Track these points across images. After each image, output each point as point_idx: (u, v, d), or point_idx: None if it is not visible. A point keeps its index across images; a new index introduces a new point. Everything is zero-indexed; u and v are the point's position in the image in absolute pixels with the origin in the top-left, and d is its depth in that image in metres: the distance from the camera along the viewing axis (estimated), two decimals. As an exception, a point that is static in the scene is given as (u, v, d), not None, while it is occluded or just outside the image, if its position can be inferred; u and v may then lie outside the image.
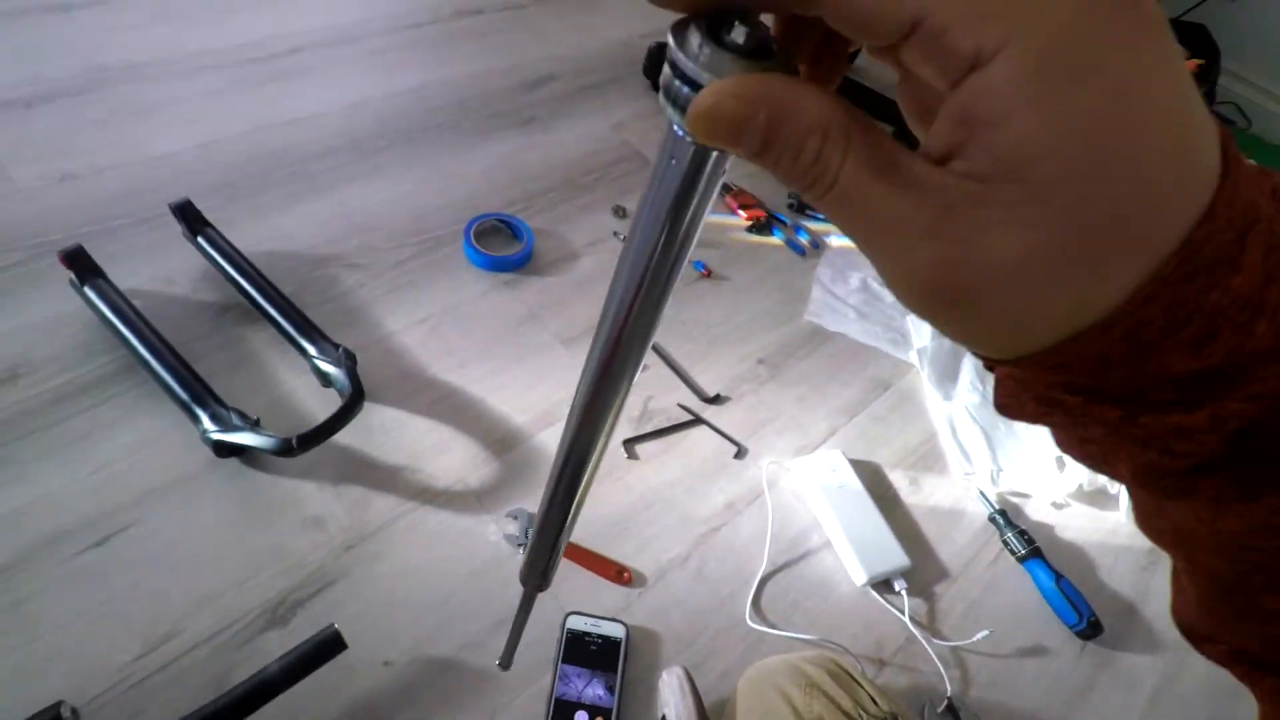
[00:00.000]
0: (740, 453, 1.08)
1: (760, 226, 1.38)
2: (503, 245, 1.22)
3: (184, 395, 0.89)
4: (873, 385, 1.22)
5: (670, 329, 1.19)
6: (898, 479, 1.11)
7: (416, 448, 0.97)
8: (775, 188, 1.48)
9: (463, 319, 1.11)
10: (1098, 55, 0.14)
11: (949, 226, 0.16)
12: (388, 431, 0.97)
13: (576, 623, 0.86)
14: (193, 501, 0.86)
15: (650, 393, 1.10)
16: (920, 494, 1.10)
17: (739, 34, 0.18)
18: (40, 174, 1.12)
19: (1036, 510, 1.11)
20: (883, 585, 0.98)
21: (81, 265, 0.95)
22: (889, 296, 1.34)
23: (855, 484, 1.05)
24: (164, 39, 1.38)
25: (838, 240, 1.42)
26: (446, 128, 1.40)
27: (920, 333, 1.28)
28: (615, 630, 0.86)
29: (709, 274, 1.28)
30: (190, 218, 1.05)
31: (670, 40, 0.18)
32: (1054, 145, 0.15)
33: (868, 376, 1.23)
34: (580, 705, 0.81)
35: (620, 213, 1.33)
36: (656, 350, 1.15)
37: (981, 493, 1.09)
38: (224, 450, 0.88)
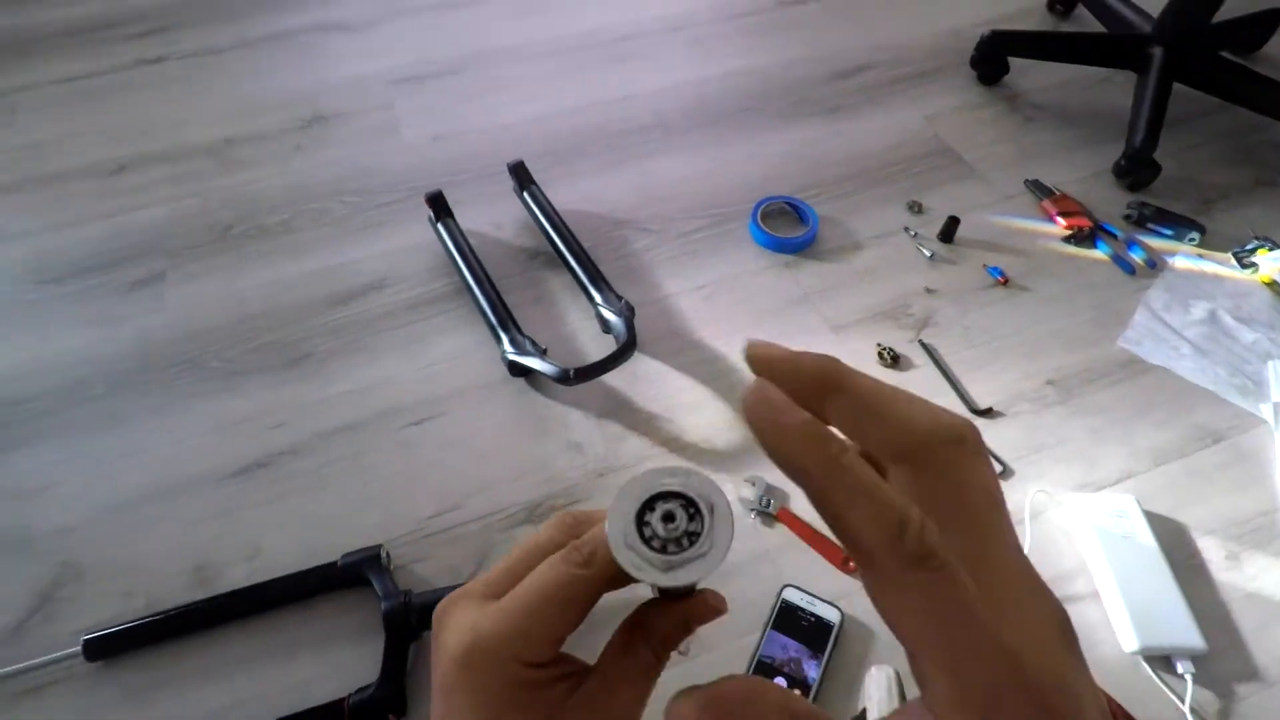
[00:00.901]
0: (1005, 472, 0.99)
1: (1081, 237, 1.23)
2: (788, 227, 1.25)
3: (493, 319, 1.08)
4: (1198, 434, 1.03)
5: (948, 332, 1.13)
6: (1209, 548, 0.93)
7: (673, 401, 1.06)
8: (1108, 196, 1.31)
9: (737, 291, 1.18)
10: None
11: None
12: (651, 381, 1.08)
13: (792, 596, 0.88)
14: (486, 406, 1.05)
15: (915, 393, 1.06)
16: (1241, 573, 0.91)
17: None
18: (421, 134, 1.42)
19: None
20: (1159, 660, 0.84)
21: (438, 207, 1.20)
22: (1246, 334, 1.12)
23: (1147, 539, 0.91)
24: (524, 29, 1.64)
25: (1185, 262, 1.21)
26: (752, 112, 1.46)
27: (1281, 382, 1.05)
28: (830, 614, 0.87)
29: (1005, 282, 1.18)
30: (521, 176, 1.25)
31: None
32: None
33: (1192, 422, 1.05)
34: (781, 671, 0.83)
35: (916, 208, 1.28)
36: (927, 350, 1.10)
37: (1332, 591, 0.88)
38: (516, 370, 1.06)
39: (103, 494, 0.97)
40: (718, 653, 0.85)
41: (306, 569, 0.89)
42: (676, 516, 0.21)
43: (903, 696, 0.77)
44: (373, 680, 0.80)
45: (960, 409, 1.05)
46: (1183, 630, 0.84)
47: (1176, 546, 0.92)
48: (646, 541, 0.21)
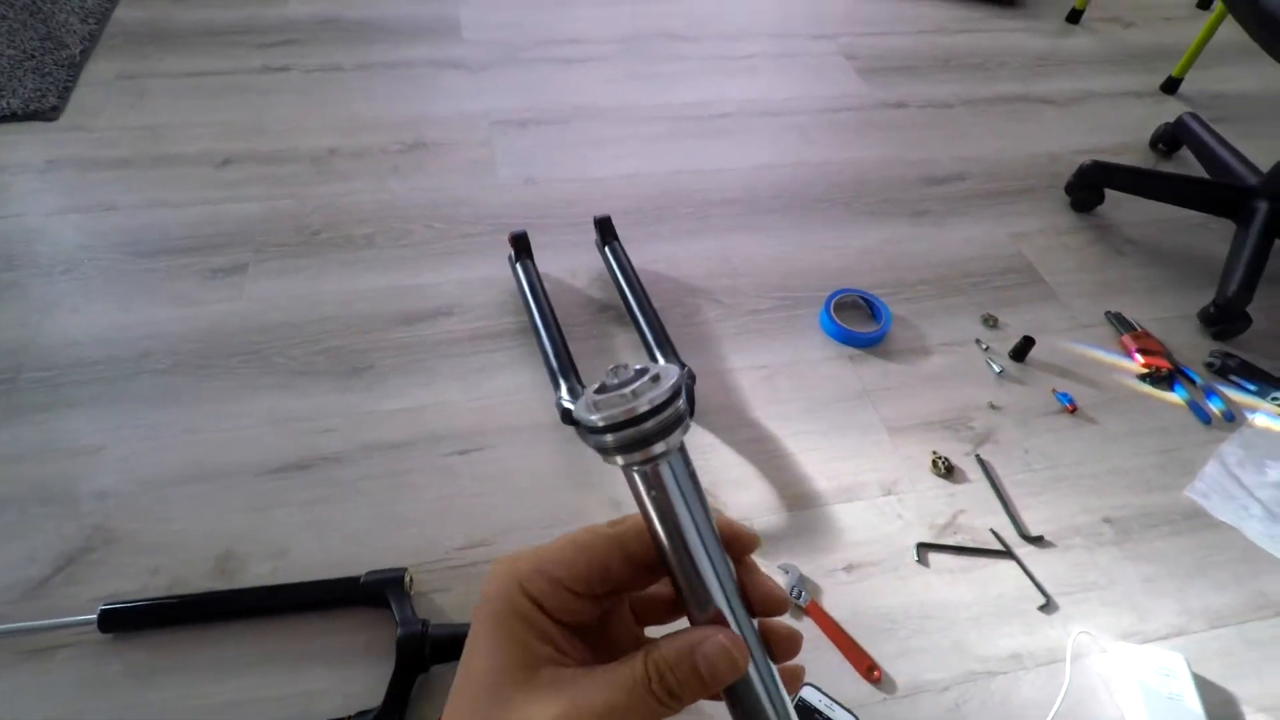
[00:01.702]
0: (1048, 606, 0.95)
1: (1159, 378, 1.20)
2: (859, 322, 1.25)
3: (555, 364, 1.08)
4: (1260, 602, 0.98)
5: (1008, 452, 1.10)
6: (1261, 726, 0.87)
7: (720, 475, 1.04)
8: (1191, 341, 1.28)
9: (798, 377, 1.17)
10: None
11: None
12: (700, 452, 1.07)
13: (810, 696, 0.85)
14: (533, 448, 1.05)
15: (965, 507, 1.03)
16: (1297, 760, 0.85)
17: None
18: (514, 175, 1.47)
19: None
20: (1193, 839, 0.78)
21: (520, 246, 1.23)
22: (1320, 505, 1.07)
23: (1194, 704, 0.85)
24: (630, 92, 1.70)
25: (1265, 420, 1.17)
26: (839, 204, 1.48)
27: (1354, 563, 0.99)
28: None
29: (1074, 410, 1.16)
30: (605, 230, 1.28)
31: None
32: None
33: (1255, 588, 0.99)
34: (791, 778, 0.79)
35: (991, 322, 1.27)
36: (983, 466, 1.08)
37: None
38: (568, 418, 1.06)
39: (149, 466, 0.99)
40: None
41: (330, 579, 0.89)
42: (621, 368, 0.23)
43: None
44: (375, 705, 0.78)
45: (1009, 532, 1.01)
46: None
47: (1224, 717, 0.87)
48: (600, 394, 0.22)
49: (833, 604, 0.93)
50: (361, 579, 0.87)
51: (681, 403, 0.22)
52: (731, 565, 0.26)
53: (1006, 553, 0.99)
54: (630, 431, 0.21)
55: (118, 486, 0.97)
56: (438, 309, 1.21)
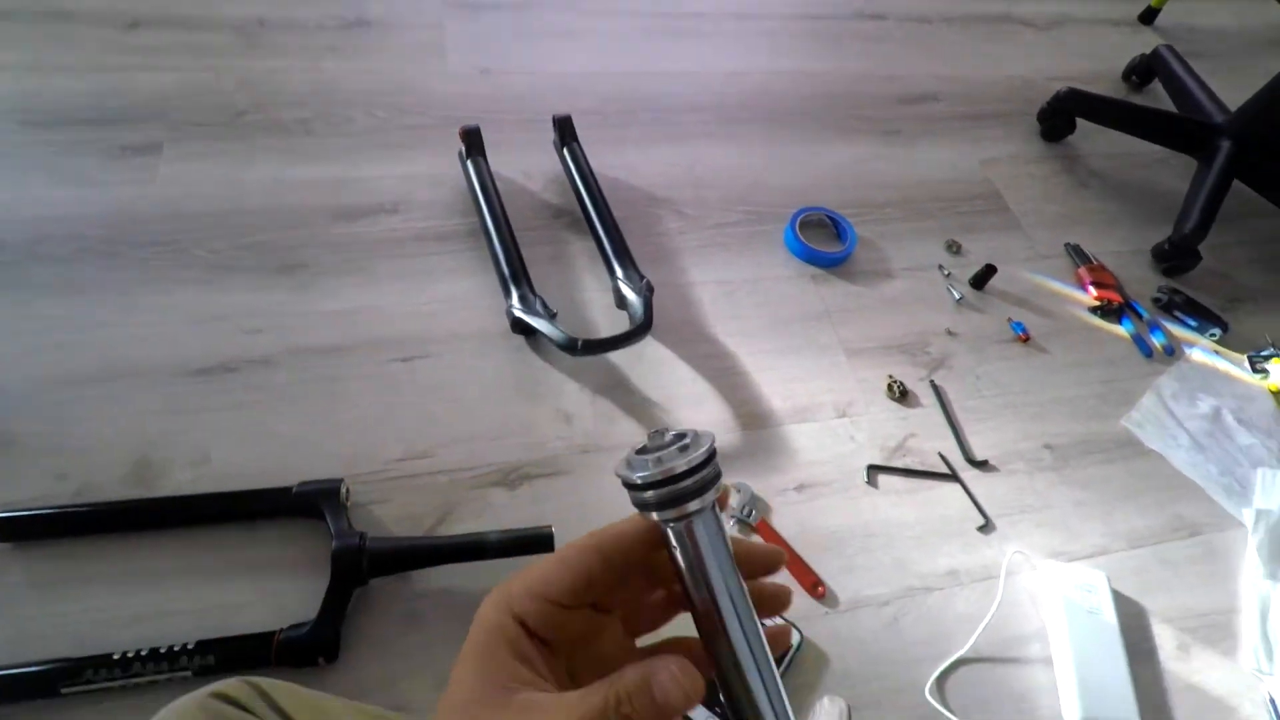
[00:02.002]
0: (986, 526, 0.98)
1: (1109, 311, 1.22)
2: (823, 240, 1.21)
3: (506, 270, 1.02)
4: (1176, 525, 1.03)
5: (960, 378, 1.11)
6: (1164, 636, 0.93)
7: (674, 391, 1.02)
8: (1142, 276, 1.29)
9: (760, 294, 1.14)
10: None
11: None
12: (655, 367, 1.03)
13: (758, 612, 0.85)
14: (480, 358, 1.00)
15: (916, 431, 1.04)
16: (1187, 665, 0.91)
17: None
18: (467, 63, 1.35)
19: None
20: (1099, 737, 0.84)
21: (472, 142, 1.14)
22: (1244, 437, 1.11)
23: (1110, 618, 0.90)
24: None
25: (1201, 356, 1.20)
26: (809, 117, 1.42)
27: (1269, 493, 1.05)
28: (790, 635, 0.84)
29: (1026, 339, 1.16)
30: (565, 131, 1.19)
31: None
32: None
33: (1173, 513, 1.04)
34: (733, 688, 0.80)
35: (954, 248, 1.25)
36: (936, 391, 1.08)
37: (1271, 701, 0.88)
38: (519, 327, 1.00)
39: (49, 363, 0.89)
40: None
41: (258, 489, 0.83)
42: (665, 434, 0.25)
43: (853, 736, 0.75)
44: (309, 619, 0.75)
45: (956, 456, 1.03)
46: (1125, 711, 0.84)
47: (1134, 629, 0.92)
48: (641, 454, 0.24)
49: (782, 522, 0.93)
50: (293, 489, 0.82)
51: (716, 466, 0.24)
52: (755, 613, 0.26)
53: (952, 476, 1.01)
54: (666, 490, 0.23)
55: (15, 385, 0.87)
56: (379, 205, 1.12)
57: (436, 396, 0.95)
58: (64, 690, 0.69)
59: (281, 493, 0.82)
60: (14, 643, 0.73)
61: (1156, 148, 1.45)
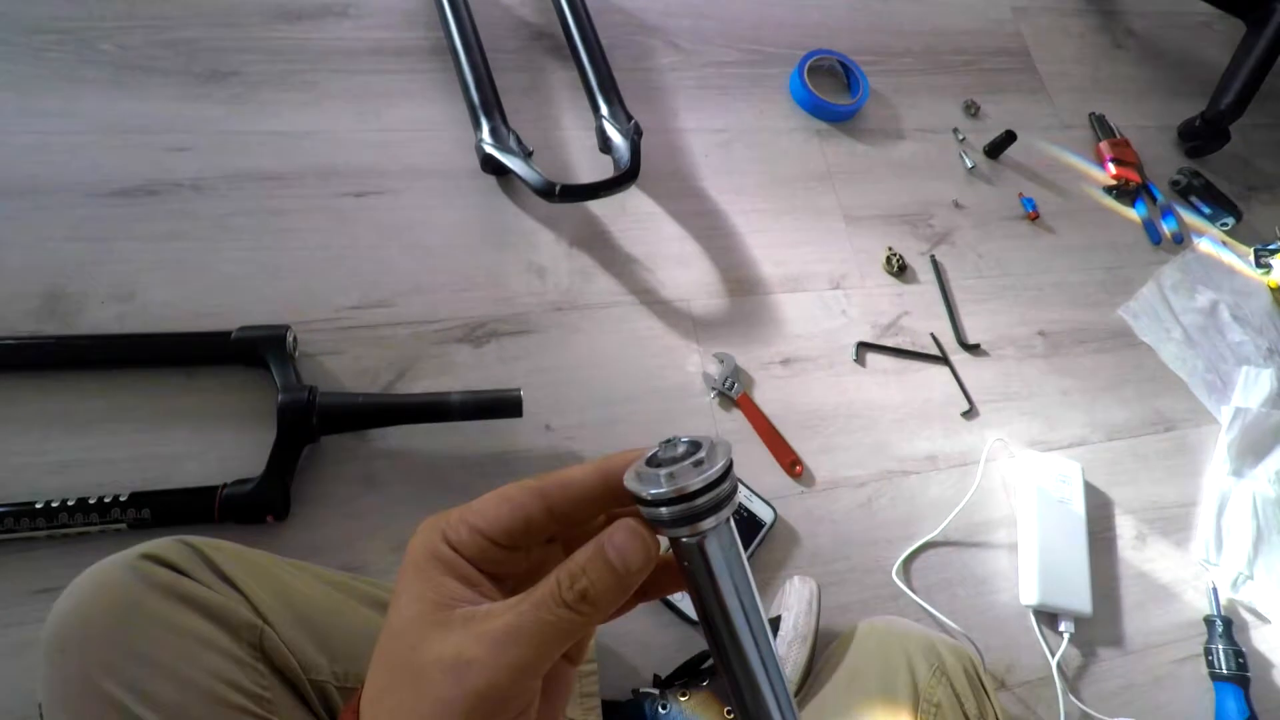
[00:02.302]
0: (970, 412, 0.95)
1: (1124, 192, 1.14)
2: (832, 91, 1.09)
3: (476, 98, 0.88)
4: (1154, 418, 1.02)
5: (962, 255, 1.04)
6: (1125, 526, 0.94)
7: (658, 249, 0.93)
8: (1164, 155, 1.21)
9: (758, 147, 1.03)
10: None
11: None
12: (639, 220, 0.94)
13: (732, 486, 0.82)
14: (444, 197, 0.89)
15: (910, 309, 0.98)
16: (1142, 554, 0.93)
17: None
18: None
19: (1265, 640, 0.91)
20: (1047, 616, 0.87)
21: (443, -59, 0.95)
22: (1235, 334, 1.08)
23: (1078, 508, 0.90)
24: None
25: (1208, 246, 1.15)
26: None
27: (1249, 391, 1.03)
28: (764, 512, 0.82)
29: (1035, 217, 1.09)
30: (551, -65, 1.01)
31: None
32: None
33: (1154, 406, 1.03)
34: (702, 559, 0.78)
35: (972, 110, 1.14)
36: (936, 268, 1.01)
37: (1214, 589, 0.91)
38: (489, 165, 0.89)
39: (-66, 173, 0.76)
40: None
41: (192, 332, 0.74)
42: (677, 445, 0.23)
43: (818, 614, 0.74)
44: (254, 475, 0.69)
45: (948, 338, 0.98)
46: (1078, 596, 0.86)
47: (1098, 518, 0.93)
48: (652, 466, 0.22)
49: (764, 397, 0.88)
50: (232, 335, 0.73)
51: (731, 483, 0.23)
52: (768, 626, 0.25)
53: (942, 359, 0.97)
54: (680, 508, 0.22)
55: (-109, 194, 0.75)
56: (326, 6, 0.95)
57: (394, 239, 0.85)
58: (-18, 538, 0.63)
59: (219, 338, 0.73)
60: (-81, 487, 0.66)
61: (1205, 6, 1.31)
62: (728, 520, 0.23)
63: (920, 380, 0.95)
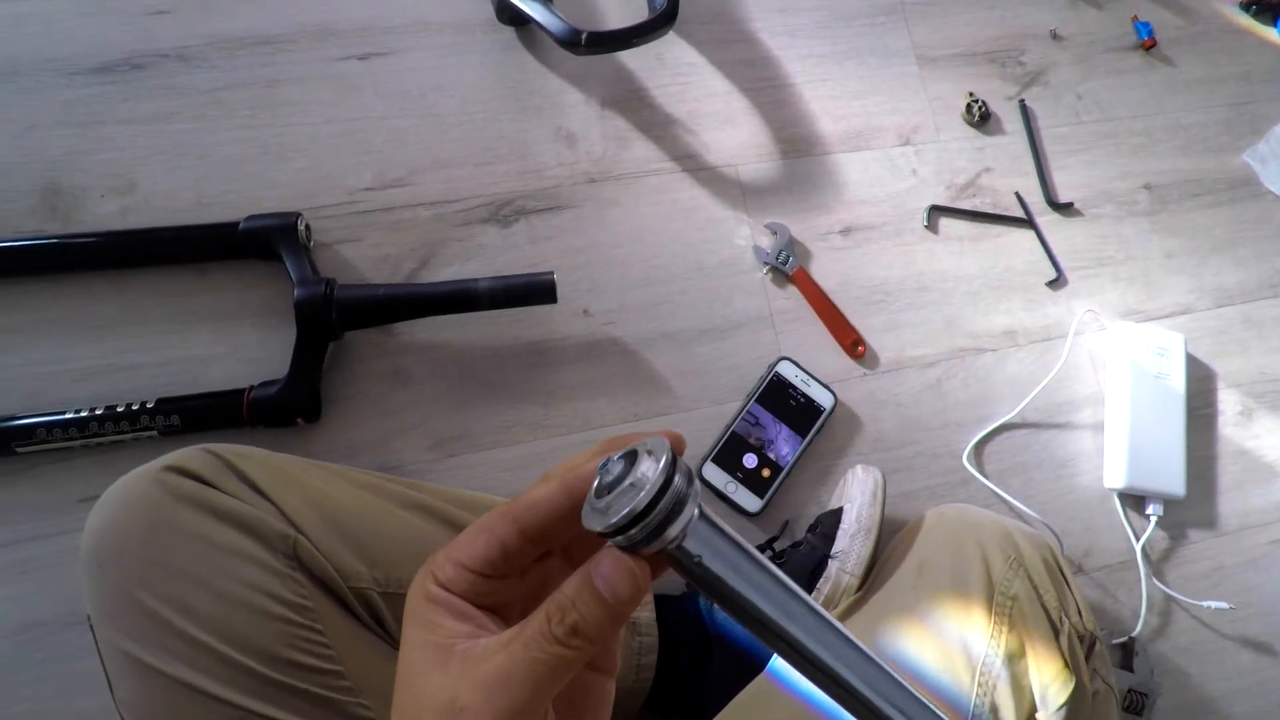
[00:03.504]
0: (1058, 281, 0.84)
1: (1265, 7, 0.95)
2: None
3: (493, -64, 0.76)
4: (1274, 280, 0.90)
5: (1057, 98, 0.89)
6: (1228, 401, 0.85)
7: (702, 106, 0.82)
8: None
9: (815, -26, 0.87)
10: None
11: None
12: (680, 74, 0.82)
13: (787, 370, 0.76)
14: (459, 55, 0.79)
15: (992, 165, 0.86)
16: (1247, 431, 0.85)
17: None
18: None
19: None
20: (1133, 499, 0.80)
21: None
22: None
23: (1178, 384, 0.81)
24: None
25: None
26: None
27: (1396, 246, 0.89)
28: (824, 397, 0.75)
29: (1151, 45, 0.92)
30: None
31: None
32: None
33: (1274, 267, 0.90)
34: (753, 449, 0.73)
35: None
36: (1025, 116, 0.87)
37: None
38: (506, 14, 0.77)
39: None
40: (692, 415, 0.74)
41: (199, 224, 0.69)
42: (610, 466, 0.22)
43: (883, 505, 0.69)
44: (281, 376, 0.65)
45: (1035, 197, 0.86)
46: (1171, 477, 0.79)
47: (1199, 394, 0.85)
48: (599, 496, 0.22)
49: (822, 271, 0.80)
50: (240, 225, 0.67)
51: (680, 480, 0.22)
52: (785, 582, 0.24)
53: (1027, 221, 0.85)
54: (636, 530, 0.21)
55: None
56: None
57: (406, 107, 0.76)
58: (19, 449, 0.62)
59: (226, 230, 0.68)
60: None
61: None
62: (697, 513, 0.22)
63: (1000, 246, 0.84)
